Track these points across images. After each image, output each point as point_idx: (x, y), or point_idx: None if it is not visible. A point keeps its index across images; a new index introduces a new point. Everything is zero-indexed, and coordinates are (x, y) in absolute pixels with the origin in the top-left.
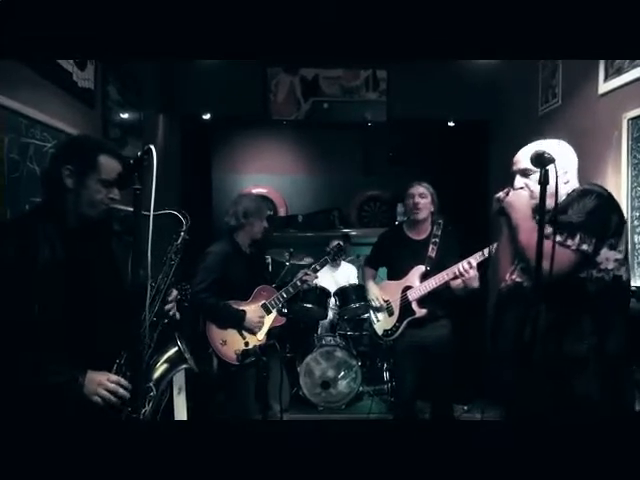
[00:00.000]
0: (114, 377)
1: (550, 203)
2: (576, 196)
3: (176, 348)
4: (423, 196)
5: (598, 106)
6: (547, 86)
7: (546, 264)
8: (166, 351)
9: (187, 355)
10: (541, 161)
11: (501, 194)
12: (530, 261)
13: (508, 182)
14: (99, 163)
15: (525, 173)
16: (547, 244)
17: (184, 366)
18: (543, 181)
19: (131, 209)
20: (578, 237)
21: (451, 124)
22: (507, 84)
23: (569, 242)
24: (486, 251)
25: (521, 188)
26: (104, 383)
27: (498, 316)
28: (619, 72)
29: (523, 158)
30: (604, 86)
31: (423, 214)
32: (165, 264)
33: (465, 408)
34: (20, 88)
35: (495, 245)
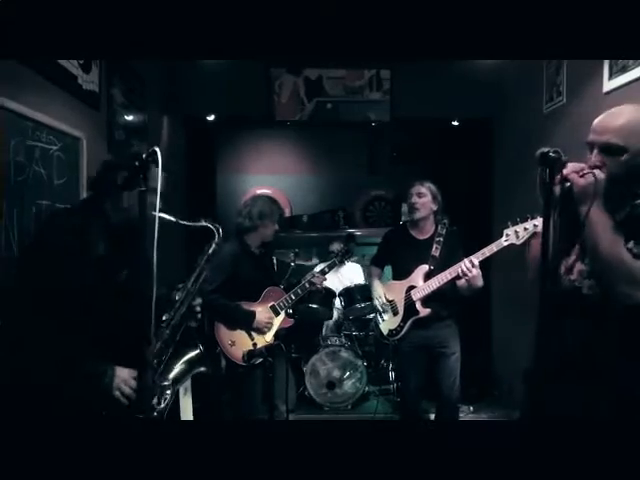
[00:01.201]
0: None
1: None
2: None
3: (197, 351)
4: (422, 195)
5: (603, 104)
6: (551, 84)
7: None
8: (185, 353)
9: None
10: (545, 161)
11: (569, 171)
12: (608, 271)
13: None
14: None
15: (608, 149)
16: None
17: (202, 369)
18: (548, 181)
19: (172, 219)
20: None
21: (455, 123)
22: (511, 83)
23: None
24: (487, 250)
25: (599, 167)
26: (129, 381)
27: (546, 325)
28: (624, 70)
29: (606, 128)
30: (609, 84)
31: (421, 213)
32: (195, 270)
33: (471, 408)
34: (25, 91)
35: (537, 224)
